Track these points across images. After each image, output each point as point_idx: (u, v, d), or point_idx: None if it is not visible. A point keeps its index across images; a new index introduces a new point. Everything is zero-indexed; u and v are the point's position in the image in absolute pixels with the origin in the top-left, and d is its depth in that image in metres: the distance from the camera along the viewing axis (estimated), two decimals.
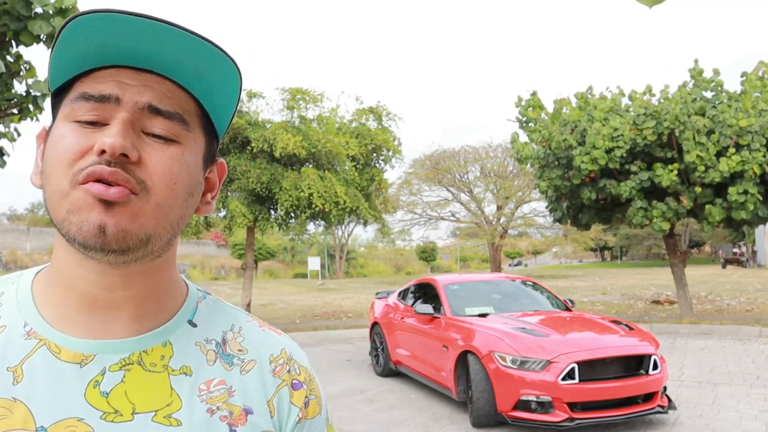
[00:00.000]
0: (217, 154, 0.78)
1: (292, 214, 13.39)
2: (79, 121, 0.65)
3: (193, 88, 0.69)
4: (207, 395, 0.70)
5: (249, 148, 12.71)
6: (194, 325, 0.75)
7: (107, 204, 0.62)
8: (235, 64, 0.67)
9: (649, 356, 5.57)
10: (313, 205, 12.38)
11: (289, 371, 0.78)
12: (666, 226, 11.07)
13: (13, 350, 0.66)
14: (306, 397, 0.78)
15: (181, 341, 0.72)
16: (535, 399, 5.31)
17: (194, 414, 0.69)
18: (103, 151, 0.62)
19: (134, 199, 0.64)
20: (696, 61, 11.45)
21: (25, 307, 0.70)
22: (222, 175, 0.79)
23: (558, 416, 5.24)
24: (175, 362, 0.71)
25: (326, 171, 12.95)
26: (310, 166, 13.24)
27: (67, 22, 0.62)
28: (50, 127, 0.69)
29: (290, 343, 0.82)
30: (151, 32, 0.63)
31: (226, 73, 0.68)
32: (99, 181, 0.62)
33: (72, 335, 0.67)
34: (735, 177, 10.56)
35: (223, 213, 13.24)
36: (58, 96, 0.69)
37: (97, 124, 0.65)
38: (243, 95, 14.18)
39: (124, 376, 0.67)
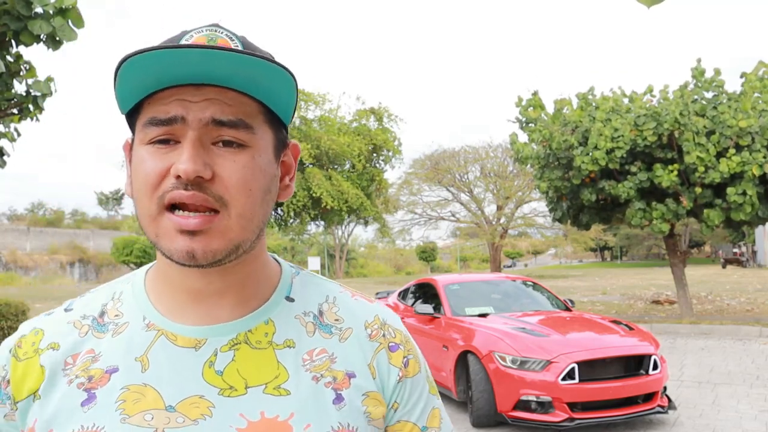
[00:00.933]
0: (288, 138, 0.82)
1: (294, 215, 13.39)
2: (152, 142, 0.71)
3: (251, 92, 0.72)
4: (311, 364, 0.77)
5: None
6: (292, 300, 0.81)
7: (191, 233, 0.69)
8: (287, 69, 0.71)
9: (649, 356, 5.57)
10: (323, 204, 12.39)
11: (384, 335, 0.82)
12: (665, 227, 11.07)
13: (138, 342, 0.76)
14: (404, 357, 0.82)
15: (282, 317, 0.79)
16: (535, 399, 5.31)
17: (301, 383, 0.75)
18: (179, 176, 0.68)
19: (216, 219, 0.70)
20: (699, 61, 11.44)
21: (142, 302, 0.79)
22: (296, 155, 0.84)
23: (558, 416, 5.24)
24: (278, 337, 0.77)
25: (329, 170, 12.96)
26: (314, 167, 13.24)
27: (120, 64, 0.67)
28: (132, 143, 0.76)
29: (383, 309, 0.86)
30: (198, 59, 0.67)
31: (279, 78, 0.71)
32: (182, 206, 0.69)
33: (184, 323, 0.76)
34: (735, 178, 10.56)
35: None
36: (131, 116, 0.75)
37: (170, 141, 0.71)
38: None
39: (234, 355, 0.75)
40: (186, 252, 0.69)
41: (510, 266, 59.13)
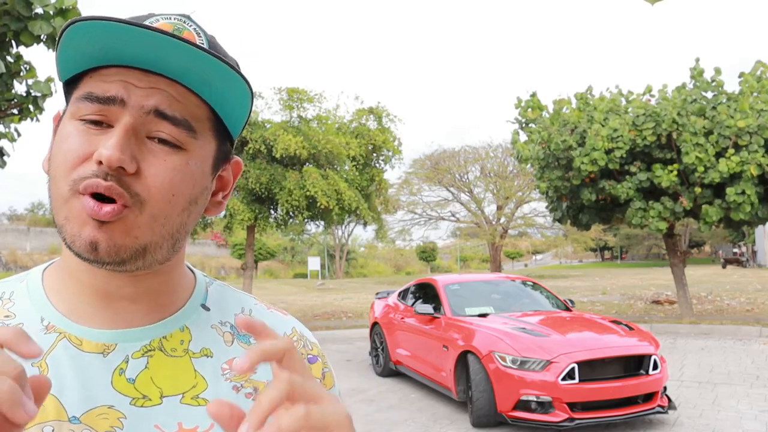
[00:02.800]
0: (231, 153, 0.76)
1: (291, 214, 13.39)
2: (83, 120, 0.65)
3: (202, 94, 0.67)
4: (230, 374, 0.72)
5: (246, 148, 12.72)
6: (207, 309, 0.77)
7: (100, 222, 0.63)
8: (244, 77, 0.66)
9: (649, 356, 5.57)
10: (318, 203, 12.38)
11: (303, 346, 0.80)
12: (663, 225, 11.07)
13: None
14: (322, 370, 0.81)
15: (198, 325, 0.74)
16: (535, 399, 5.31)
17: (220, 393, 0.70)
18: (101, 162, 0.62)
19: (127, 213, 0.63)
20: (697, 61, 11.45)
21: (40, 302, 0.70)
22: (237, 173, 0.78)
23: (558, 416, 5.24)
24: (194, 345, 0.72)
25: (327, 170, 12.96)
26: (311, 165, 13.24)
27: (66, 26, 0.61)
28: (62, 115, 0.69)
29: (298, 323, 0.85)
30: (152, 42, 0.61)
31: (234, 84, 0.66)
32: (94, 194, 0.62)
33: (90, 327, 0.69)
34: (734, 178, 10.56)
35: (222, 212, 13.22)
36: (69, 84, 0.69)
37: (102, 124, 0.64)
38: None
39: (147, 362, 0.69)
40: (90, 242, 0.63)
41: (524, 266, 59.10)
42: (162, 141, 0.65)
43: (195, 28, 0.68)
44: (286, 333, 0.80)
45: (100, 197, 0.63)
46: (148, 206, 0.64)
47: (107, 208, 0.62)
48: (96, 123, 0.64)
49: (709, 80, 11.16)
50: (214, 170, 0.72)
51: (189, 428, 0.67)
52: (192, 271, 0.81)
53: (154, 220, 0.65)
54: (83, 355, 0.67)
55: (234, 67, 0.64)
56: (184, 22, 0.68)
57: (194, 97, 0.67)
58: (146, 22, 0.66)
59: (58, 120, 0.70)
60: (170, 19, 0.67)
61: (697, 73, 11.34)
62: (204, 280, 0.80)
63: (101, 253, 0.63)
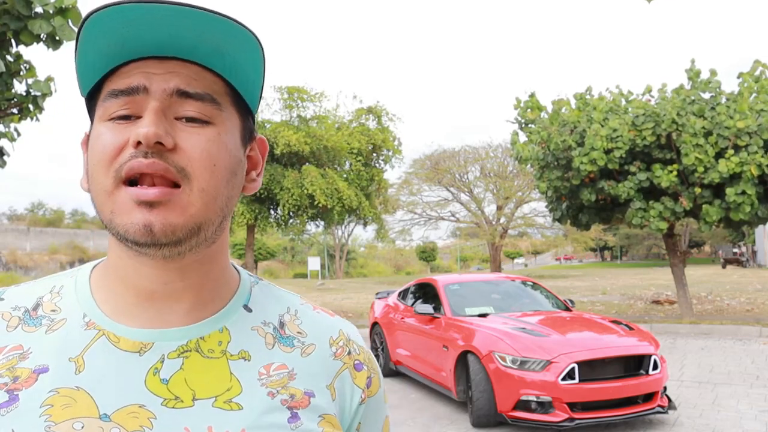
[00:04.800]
0: (255, 131, 0.77)
1: (291, 214, 13.39)
2: (112, 119, 0.66)
3: (216, 66, 0.68)
4: (267, 379, 0.71)
5: None
6: (249, 310, 0.75)
7: (149, 204, 0.63)
8: (254, 34, 0.67)
9: (649, 356, 5.57)
10: (317, 202, 12.38)
11: (349, 353, 0.79)
12: (663, 225, 11.07)
13: (74, 341, 0.68)
14: (368, 377, 0.79)
15: (238, 326, 0.73)
16: (535, 399, 5.31)
17: (255, 398, 0.69)
18: (139, 143, 0.63)
19: (178, 193, 0.64)
20: (692, 62, 11.46)
21: (84, 299, 0.72)
22: (264, 151, 0.79)
23: (558, 416, 5.24)
24: (233, 347, 0.71)
25: (327, 169, 12.96)
26: (311, 164, 13.24)
27: (82, 24, 0.63)
28: (89, 131, 0.70)
29: (346, 324, 0.83)
30: (164, 16, 0.63)
31: (245, 44, 0.67)
32: (142, 176, 0.63)
33: (130, 326, 0.69)
34: (734, 178, 10.56)
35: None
36: (91, 99, 0.70)
37: (131, 117, 0.65)
38: None
39: (182, 363, 0.68)
40: (143, 225, 0.63)
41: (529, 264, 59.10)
42: (190, 120, 0.66)
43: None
44: (332, 336, 0.79)
45: (143, 181, 0.64)
46: (195, 180, 0.65)
47: (153, 190, 0.63)
48: (124, 118, 0.66)
49: (706, 81, 11.16)
50: (244, 145, 0.73)
51: None
52: (237, 270, 0.80)
53: (205, 194, 0.66)
54: (119, 353, 0.67)
55: (241, 23, 0.65)
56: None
57: (209, 73, 0.68)
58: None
59: (86, 139, 0.71)
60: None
61: (693, 74, 11.35)
62: (249, 280, 0.79)
63: (157, 234, 0.63)
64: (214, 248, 0.71)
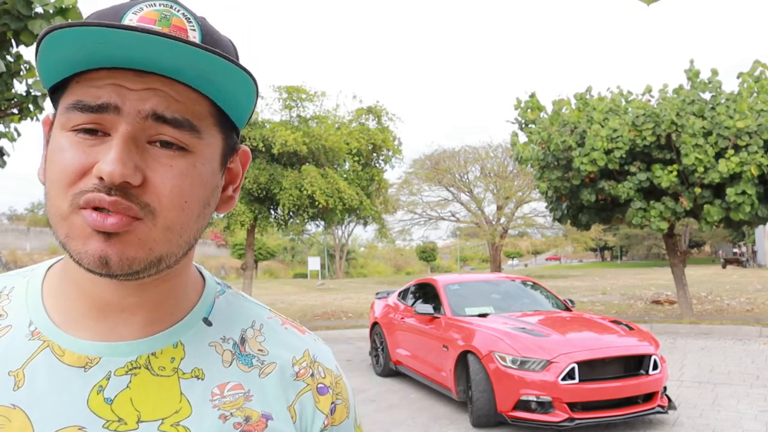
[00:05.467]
0: (237, 144, 0.71)
1: (292, 214, 13.40)
2: (76, 130, 0.59)
3: (201, 89, 0.61)
4: (220, 400, 0.66)
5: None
6: (209, 324, 0.70)
7: (107, 234, 0.58)
8: (249, 72, 0.60)
9: (649, 356, 5.57)
10: (317, 203, 12.39)
11: (312, 375, 0.73)
12: (664, 225, 11.08)
13: (16, 352, 0.63)
14: (332, 402, 0.73)
15: (194, 342, 0.68)
16: (535, 399, 5.31)
17: (205, 421, 0.64)
18: (102, 178, 0.57)
19: (138, 225, 0.58)
20: (691, 62, 11.45)
21: (33, 305, 0.66)
22: (246, 162, 0.73)
23: (558, 416, 5.24)
24: (186, 365, 0.66)
25: (326, 168, 12.97)
26: (311, 164, 13.24)
27: (43, 36, 0.55)
28: (53, 121, 0.63)
29: (314, 344, 0.77)
30: (140, 43, 0.55)
31: (235, 77, 0.60)
32: (97, 208, 0.57)
33: (78, 337, 0.64)
34: (734, 178, 10.56)
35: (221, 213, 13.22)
36: (55, 92, 0.63)
37: (98, 132, 0.59)
38: None
39: (130, 381, 0.63)
40: (99, 257, 0.57)
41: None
42: (165, 144, 0.60)
43: (183, 13, 0.62)
44: (296, 356, 0.72)
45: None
46: (161, 217, 0.59)
47: (112, 219, 0.57)
48: (90, 131, 0.59)
49: (706, 81, 11.16)
50: (223, 166, 0.67)
51: None
52: (203, 277, 0.74)
53: (171, 231, 0.60)
54: (63, 367, 0.62)
55: (233, 60, 0.58)
56: (171, 7, 0.62)
57: (194, 93, 0.61)
58: (129, 13, 0.60)
59: (50, 126, 0.64)
60: (155, 6, 0.61)
61: (693, 75, 11.34)
62: (214, 289, 0.74)
63: (113, 267, 0.58)
64: (176, 267, 0.66)
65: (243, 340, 0.71)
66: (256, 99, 0.65)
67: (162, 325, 0.67)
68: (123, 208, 0.57)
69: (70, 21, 0.57)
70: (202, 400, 0.65)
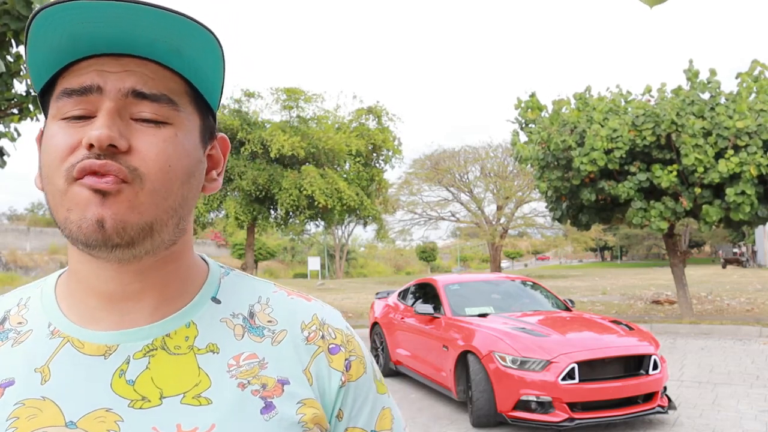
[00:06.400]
0: (216, 130, 0.76)
1: (292, 214, 13.40)
2: (66, 118, 0.65)
3: (174, 65, 0.67)
4: (237, 370, 0.69)
5: (243, 149, 12.74)
6: (218, 302, 0.74)
7: (103, 196, 0.62)
8: (213, 33, 0.65)
9: (649, 356, 5.57)
10: (316, 203, 12.39)
11: (323, 337, 0.75)
12: (664, 225, 11.08)
13: (40, 351, 0.68)
14: (346, 359, 0.76)
15: (206, 319, 0.72)
16: (535, 399, 5.31)
17: (224, 391, 0.68)
18: (92, 145, 0.62)
19: (127, 188, 0.63)
20: (690, 62, 11.45)
21: (50, 308, 0.71)
22: (225, 150, 0.78)
23: (558, 416, 5.24)
24: (200, 341, 0.70)
25: (326, 169, 12.97)
26: (310, 165, 13.24)
27: (32, 19, 0.61)
28: (43, 128, 0.69)
29: (322, 308, 0.80)
30: (118, 13, 0.61)
31: (204, 44, 0.66)
32: (92, 174, 0.62)
33: (95, 329, 0.69)
34: (734, 178, 10.57)
35: (222, 213, 13.23)
36: (45, 95, 0.69)
37: (84, 117, 0.64)
38: (241, 95, 14.21)
39: (149, 362, 0.67)
40: (96, 220, 0.62)
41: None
42: (146, 120, 0.65)
43: None
44: (304, 321, 0.76)
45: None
46: (147, 180, 0.64)
47: (107, 177, 0.62)
48: (79, 118, 0.64)
49: (705, 81, 11.16)
50: (203, 144, 0.72)
51: (188, 429, 0.65)
52: (206, 261, 0.79)
53: (156, 194, 0.65)
54: (84, 358, 0.67)
55: (200, 22, 0.64)
56: None
57: (167, 71, 0.67)
58: None
59: (41, 136, 0.70)
60: None
61: (692, 75, 11.34)
62: (219, 271, 0.78)
63: (108, 230, 0.62)
64: (175, 249, 0.71)
65: (252, 314, 0.74)
66: (224, 68, 0.70)
67: (171, 308, 0.71)
68: (113, 169, 0.62)
69: (52, 1, 0.61)
70: (219, 372, 0.69)
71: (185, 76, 0.69)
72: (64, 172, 0.63)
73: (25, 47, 0.64)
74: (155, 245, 0.67)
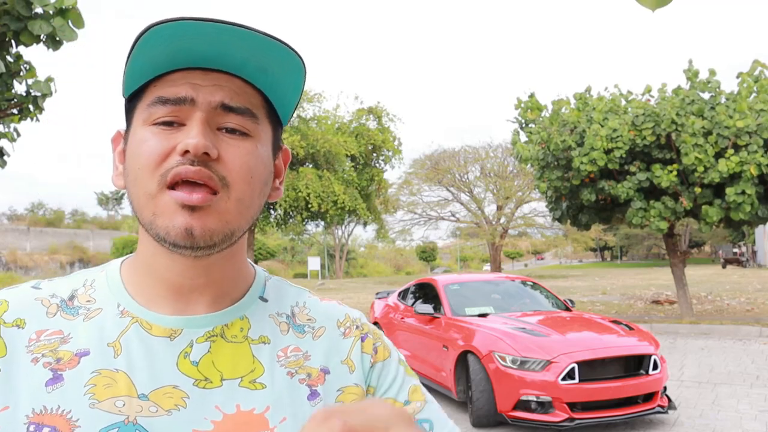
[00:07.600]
0: (281, 141, 0.82)
1: (291, 214, 13.41)
2: (156, 124, 0.70)
3: (258, 83, 0.73)
4: (285, 360, 0.77)
5: None
6: (265, 300, 0.82)
7: (191, 208, 0.68)
8: (299, 56, 0.71)
9: (649, 356, 5.57)
10: (310, 206, 12.40)
11: (356, 327, 0.85)
12: (664, 225, 11.08)
13: (110, 328, 0.73)
14: (374, 344, 0.84)
15: (256, 315, 0.79)
16: (535, 399, 5.31)
17: (276, 377, 0.75)
18: (187, 151, 0.67)
19: (216, 199, 0.69)
20: (690, 62, 11.45)
21: (117, 291, 0.77)
22: (287, 161, 0.85)
23: (558, 416, 5.24)
24: (253, 333, 0.77)
25: (324, 171, 12.97)
26: (309, 166, 13.24)
27: (142, 33, 0.66)
28: (126, 131, 0.75)
29: (351, 310, 0.89)
30: (218, 35, 0.67)
31: (290, 65, 0.71)
32: (184, 182, 0.68)
33: (161, 313, 0.75)
34: (734, 178, 10.56)
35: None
36: (132, 101, 0.74)
37: (174, 124, 0.70)
38: None
39: (210, 347, 0.74)
40: (185, 228, 0.68)
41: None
42: (231, 131, 0.71)
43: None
44: (339, 319, 0.84)
45: (188, 185, 0.68)
46: (233, 190, 0.70)
47: (197, 194, 0.68)
48: (167, 124, 0.70)
49: (705, 81, 11.16)
50: (274, 155, 0.78)
51: (246, 410, 0.72)
52: (253, 267, 0.86)
53: (240, 204, 0.71)
54: (152, 338, 0.73)
55: (290, 46, 0.69)
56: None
57: (250, 88, 0.73)
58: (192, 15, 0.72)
59: (120, 139, 0.77)
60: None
61: (692, 75, 11.34)
62: (263, 275, 0.86)
63: (197, 238, 0.69)
64: (235, 247, 0.77)
65: (293, 314, 0.83)
66: (302, 89, 0.76)
67: (226, 303, 0.77)
68: (206, 176, 0.68)
69: (167, 18, 0.67)
70: (270, 361, 0.76)
71: (266, 94, 0.75)
72: (158, 177, 0.69)
73: (128, 57, 0.69)
74: (231, 244, 0.74)
